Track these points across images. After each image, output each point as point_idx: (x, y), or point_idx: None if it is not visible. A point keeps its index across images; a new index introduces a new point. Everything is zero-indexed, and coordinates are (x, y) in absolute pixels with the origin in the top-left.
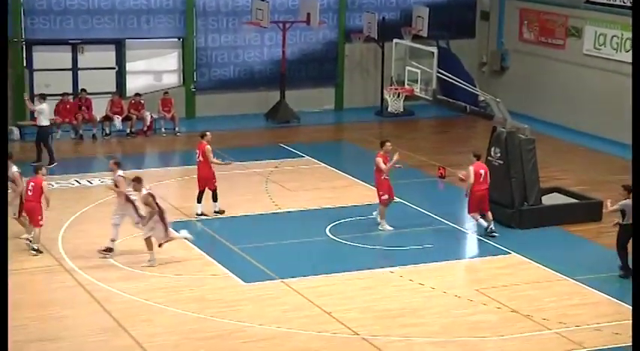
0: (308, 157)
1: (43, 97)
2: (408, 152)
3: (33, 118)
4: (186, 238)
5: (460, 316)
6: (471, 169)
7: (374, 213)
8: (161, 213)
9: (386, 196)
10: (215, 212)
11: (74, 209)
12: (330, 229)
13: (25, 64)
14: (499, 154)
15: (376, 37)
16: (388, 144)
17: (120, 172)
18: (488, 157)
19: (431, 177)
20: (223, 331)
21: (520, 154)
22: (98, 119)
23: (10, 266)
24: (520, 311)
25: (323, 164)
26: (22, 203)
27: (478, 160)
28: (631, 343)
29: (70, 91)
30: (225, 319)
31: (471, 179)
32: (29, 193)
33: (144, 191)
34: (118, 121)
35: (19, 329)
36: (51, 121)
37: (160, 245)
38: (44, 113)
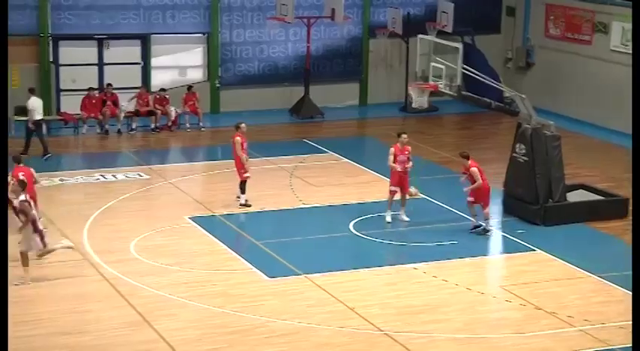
0: (332, 152)
1: (31, 91)
2: (432, 148)
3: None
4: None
5: (484, 313)
6: (475, 170)
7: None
8: (34, 223)
9: (393, 188)
10: (240, 205)
11: (99, 204)
12: (353, 225)
13: (51, 59)
14: (524, 151)
15: (401, 33)
16: (404, 136)
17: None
18: (513, 154)
19: (455, 173)
20: (247, 326)
21: (545, 151)
22: (123, 114)
23: (36, 260)
24: (544, 308)
25: (347, 160)
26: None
27: (468, 159)
28: (632, 343)
29: (96, 86)
30: (248, 314)
31: (480, 179)
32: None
33: (22, 197)
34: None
35: (44, 322)
36: (73, 116)
37: (39, 256)
38: (36, 108)
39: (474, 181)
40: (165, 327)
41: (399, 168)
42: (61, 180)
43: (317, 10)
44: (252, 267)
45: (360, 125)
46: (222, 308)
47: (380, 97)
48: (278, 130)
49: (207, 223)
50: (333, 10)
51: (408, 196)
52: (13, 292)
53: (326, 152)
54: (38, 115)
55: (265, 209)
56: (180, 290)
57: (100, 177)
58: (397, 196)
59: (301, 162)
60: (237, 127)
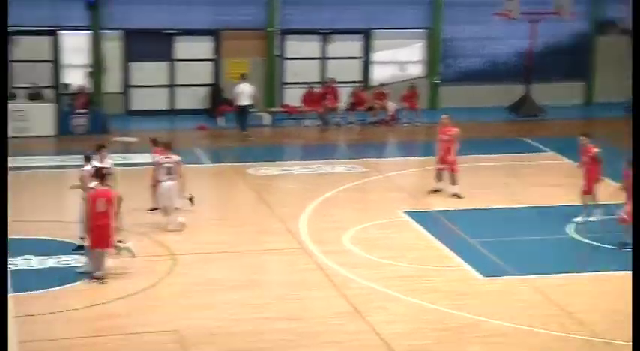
0: (552, 152)
1: (243, 76)
2: None
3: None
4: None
5: None
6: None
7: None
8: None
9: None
10: (452, 194)
11: (317, 194)
12: (572, 228)
13: (278, 53)
14: None
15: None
16: (583, 138)
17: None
18: None
19: None
20: (458, 324)
21: None
22: (343, 108)
23: (254, 246)
24: None
25: (567, 160)
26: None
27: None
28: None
29: (318, 79)
30: (461, 311)
31: None
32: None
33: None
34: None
35: (263, 307)
36: (296, 108)
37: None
38: (244, 93)
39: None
40: (377, 319)
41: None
42: (283, 170)
43: (543, 5)
44: (466, 264)
45: (583, 125)
46: (435, 304)
47: (606, 97)
48: (496, 128)
49: (422, 218)
50: (560, 5)
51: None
52: (238, 274)
53: (546, 152)
54: (245, 100)
55: (479, 207)
56: (393, 284)
57: (319, 168)
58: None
59: (519, 161)
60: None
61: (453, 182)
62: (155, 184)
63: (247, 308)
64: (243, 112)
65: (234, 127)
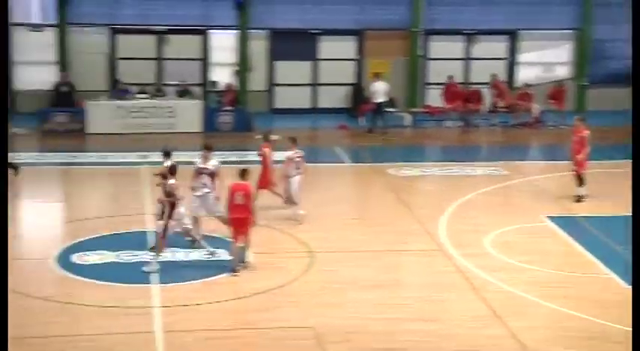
0: None
1: (376, 75)
2: None
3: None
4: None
5: None
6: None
7: None
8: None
9: None
10: (577, 196)
11: (457, 196)
12: None
13: (422, 53)
14: None
15: None
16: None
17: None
18: None
19: None
20: (601, 334)
21: None
22: (486, 110)
23: (392, 247)
24: None
25: None
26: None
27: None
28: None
29: (461, 80)
30: (606, 320)
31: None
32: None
33: (171, 181)
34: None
35: (400, 307)
36: (438, 109)
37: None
38: (379, 91)
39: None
40: (516, 324)
41: None
42: (423, 171)
43: None
44: (612, 272)
45: None
46: (577, 312)
47: None
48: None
49: (566, 223)
50: None
51: None
52: (375, 273)
53: None
54: (380, 98)
55: (626, 214)
56: (533, 289)
57: (460, 170)
58: None
59: None
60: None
61: (580, 184)
62: (285, 178)
63: (384, 308)
64: (378, 110)
65: (374, 127)
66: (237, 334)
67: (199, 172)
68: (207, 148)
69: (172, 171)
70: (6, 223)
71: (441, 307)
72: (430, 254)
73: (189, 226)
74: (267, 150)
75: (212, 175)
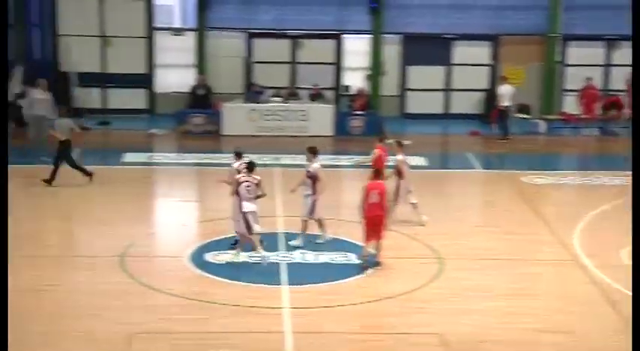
0: None
1: (502, 79)
2: None
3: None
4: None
5: None
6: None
7: None
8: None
9: None
10: None
11: (592, 206)
12: None
13: (559, 59)
14: None
15: None
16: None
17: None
18: None
19: None
20: None
21: None
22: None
23: (524, 256)
24: None
25: None
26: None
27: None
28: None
29: (600, 87)
30: None
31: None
32: None
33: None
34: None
35: (532, 318)
36: (574, 116)
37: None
38: (505, 95)
39: None
40: None
41: None
42: (558, 180)
43: None
44: None
45: None
46: None
47: None
48: None
49: None
50: None
51: None
52: (506, 282)
53: None
54: (506, 102)
55: None
56: None
57: (596, 179)
58: None
59: None
60: None
61: None
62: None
63: (515, 317)
64: (503, 114)
65: (506, 133)
66: (367, 338)
67: (306, 175)
68: (311, 151)
69: (250, 168)
70: (6, 223)
71: (575, 319)
72: (564, 265)
73: (256, 228)
74: (379, 151)
75: (313, 178)
